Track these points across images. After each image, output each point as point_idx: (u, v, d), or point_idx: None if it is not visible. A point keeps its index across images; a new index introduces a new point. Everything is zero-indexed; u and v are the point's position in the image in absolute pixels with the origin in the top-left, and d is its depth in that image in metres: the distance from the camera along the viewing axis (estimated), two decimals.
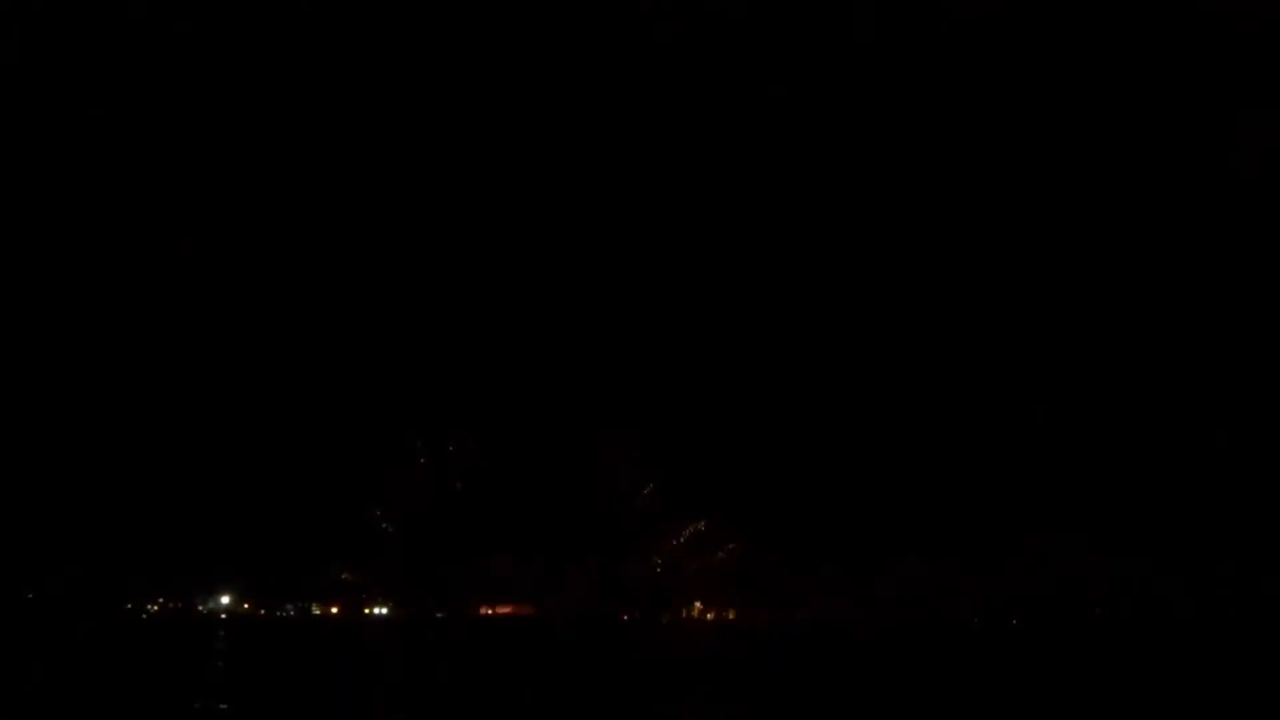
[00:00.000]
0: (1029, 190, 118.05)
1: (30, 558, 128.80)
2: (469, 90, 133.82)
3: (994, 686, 51.08)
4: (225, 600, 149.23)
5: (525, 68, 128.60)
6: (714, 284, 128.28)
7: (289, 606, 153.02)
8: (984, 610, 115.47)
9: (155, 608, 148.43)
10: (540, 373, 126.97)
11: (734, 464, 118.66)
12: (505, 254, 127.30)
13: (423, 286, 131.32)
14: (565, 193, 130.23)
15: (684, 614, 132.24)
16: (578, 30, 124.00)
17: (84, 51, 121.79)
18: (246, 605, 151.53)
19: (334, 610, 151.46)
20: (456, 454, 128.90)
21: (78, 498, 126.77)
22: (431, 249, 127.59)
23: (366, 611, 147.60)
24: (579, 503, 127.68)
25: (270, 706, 33.38)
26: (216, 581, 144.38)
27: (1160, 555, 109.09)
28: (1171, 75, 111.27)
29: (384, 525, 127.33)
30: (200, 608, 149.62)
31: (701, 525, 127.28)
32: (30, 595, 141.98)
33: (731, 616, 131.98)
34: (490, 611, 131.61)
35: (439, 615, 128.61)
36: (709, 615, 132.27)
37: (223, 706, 33.32)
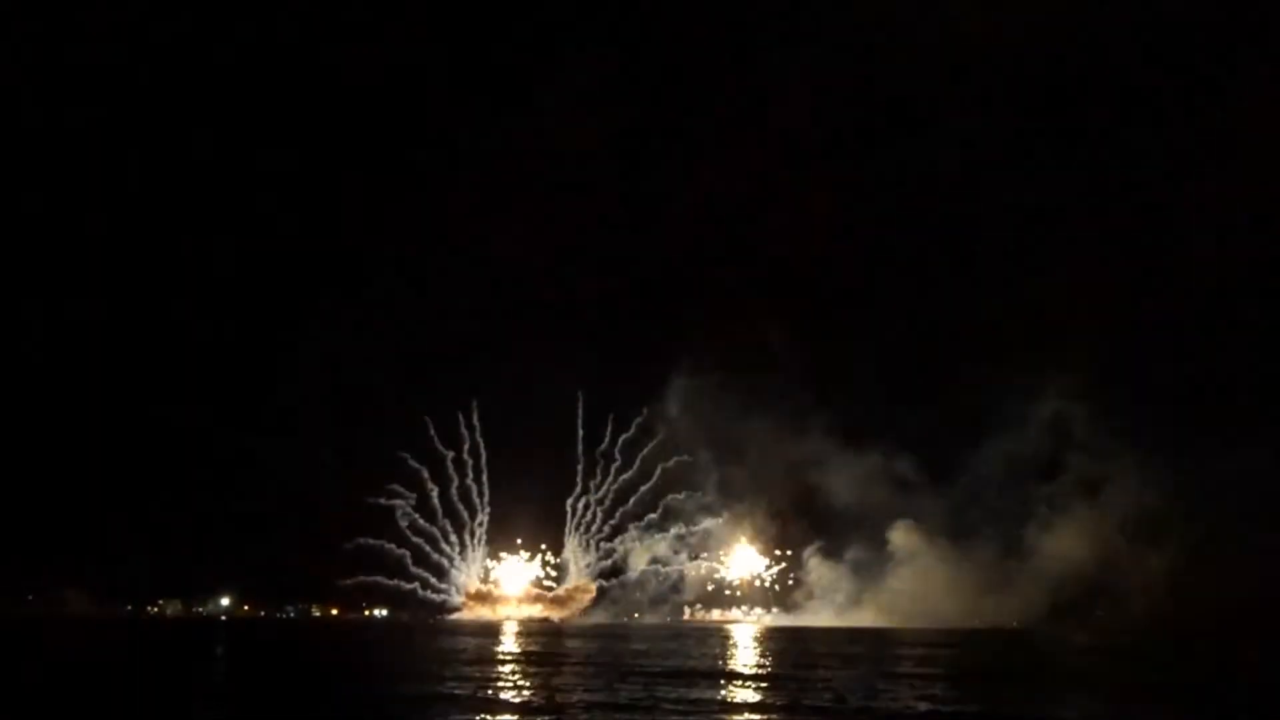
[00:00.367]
0: None
1: (31, 559, 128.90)
2: None
3: None
4: (225, 602, 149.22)
5: None
6: None
7: (289, 608, 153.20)
8: None
9: (155, 609, 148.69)
10: None
11: None
12: None
13: None
14: None
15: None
16: None
17: None
18: (246, 607, 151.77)
19: (334, 612, 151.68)
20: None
21: (78, 500, 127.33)
22: None
23: (367, 614, 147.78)
24: None
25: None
26: (216, 584, 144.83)
27: None
28: None
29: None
30: (199, 609, 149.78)
31: None
32: (30, 597, 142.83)
33: None
34: None
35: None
36: None
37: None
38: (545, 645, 68.38)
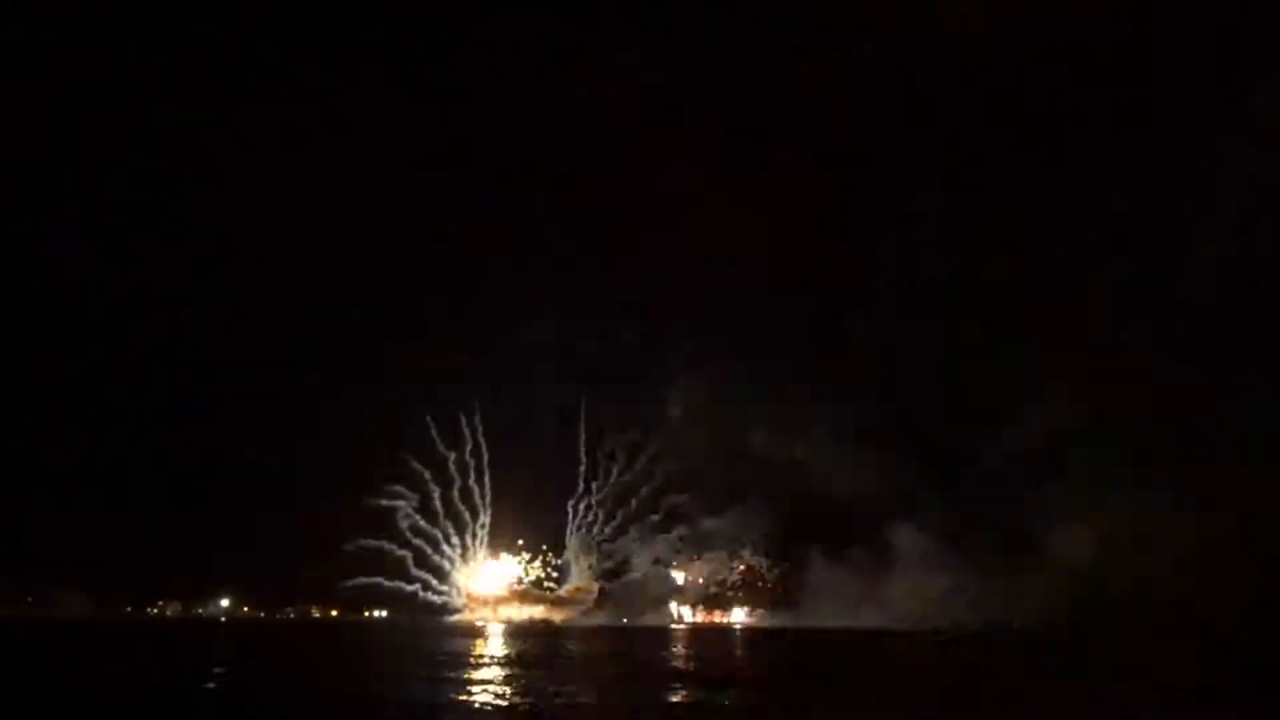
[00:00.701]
0: None
1: (30, 560, 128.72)
2: None
3: None
4: (225, 604, 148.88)
5: None
6: None
7: (289, 610, 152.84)
8: None
9: (155, 611, 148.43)
10: None
11: None
12: None
13: None
14: None
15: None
16: None
17: None
18: (246, 609, 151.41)
19: (334, 614, 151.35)
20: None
21: (78, 501, 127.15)
22: None
23: (367, 615, 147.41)
24: None
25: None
26: (216, 585, 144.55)
27: None
28: None
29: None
30: (199, 611, 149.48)
31: None
32: (30, 599, 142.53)
33: None
34: None
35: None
36: None
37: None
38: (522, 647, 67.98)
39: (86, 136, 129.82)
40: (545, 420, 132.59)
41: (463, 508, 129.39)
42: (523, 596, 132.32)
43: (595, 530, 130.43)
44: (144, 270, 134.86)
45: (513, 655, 57.60)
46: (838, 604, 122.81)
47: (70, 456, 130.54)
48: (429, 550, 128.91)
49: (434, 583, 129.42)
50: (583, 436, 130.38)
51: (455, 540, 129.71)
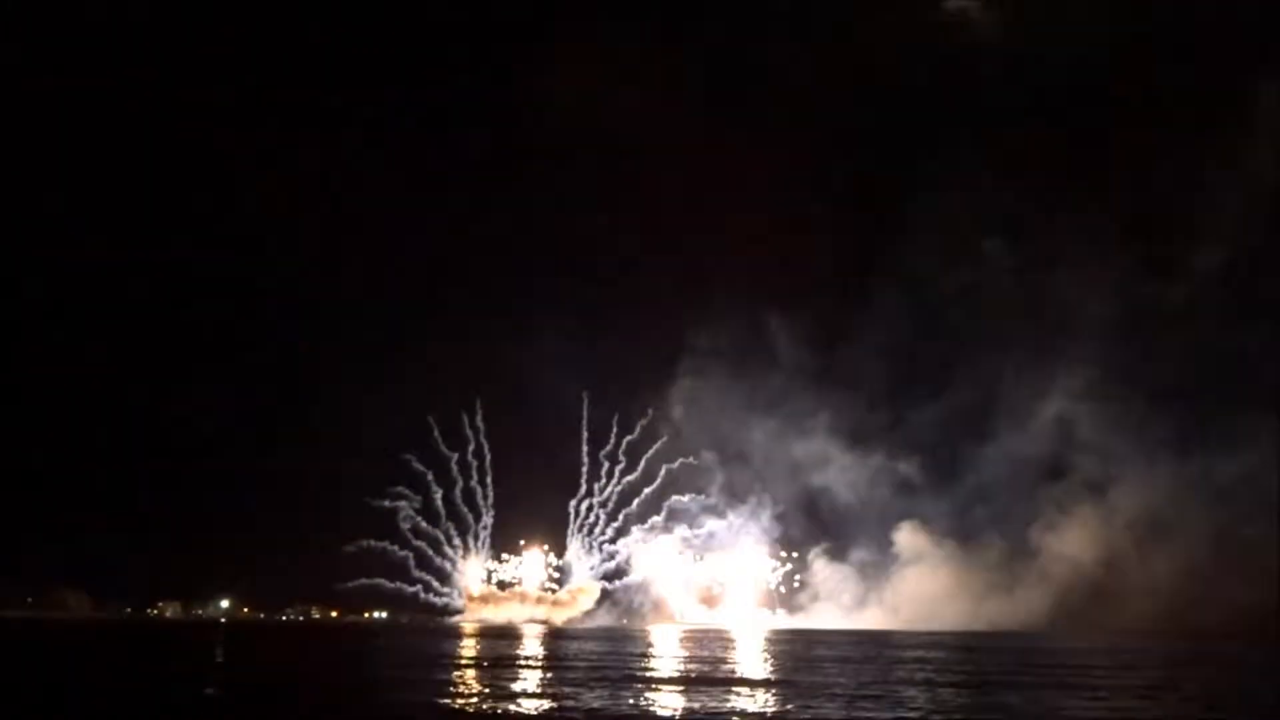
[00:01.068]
0: None
1: (30, 561, 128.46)
2: None
3: None
4: (225, 604, 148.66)
5: None
6: None
7: (289, 611, 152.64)
8: None
9: (155, 612, 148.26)
10: None
11: None
12: None
13: None
14: None
15: None
16: None
17: None
18: (246, 610, 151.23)
19: (334, 614, 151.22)
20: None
21: (78, 501, 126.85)
22: None
23: (367, 616, 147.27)
24: None
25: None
26: (217, 586, 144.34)
27: None
28: None
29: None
30: (199, 612, 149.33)
31: None
32: (30, 599, 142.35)
33: None
34: None
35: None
36: None
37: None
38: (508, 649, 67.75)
39: (87, 136, 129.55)
40: (548, 421, 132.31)
41: (465, 509, 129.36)
42: (523, 598, 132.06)
43: (597, 531, 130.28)
44: (144, 270, 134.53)
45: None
46: (841, 605, 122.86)
47: (70, 457, 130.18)
48: (430, 551, 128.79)
49: (435, 584, 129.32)
50: (585, 437, 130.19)
51: (457, 541, 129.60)
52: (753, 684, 39.41)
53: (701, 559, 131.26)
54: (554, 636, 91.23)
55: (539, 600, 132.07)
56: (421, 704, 32.98)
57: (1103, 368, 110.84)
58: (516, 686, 37.87)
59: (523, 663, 52.53)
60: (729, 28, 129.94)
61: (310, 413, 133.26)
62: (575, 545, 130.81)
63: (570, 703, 32.20)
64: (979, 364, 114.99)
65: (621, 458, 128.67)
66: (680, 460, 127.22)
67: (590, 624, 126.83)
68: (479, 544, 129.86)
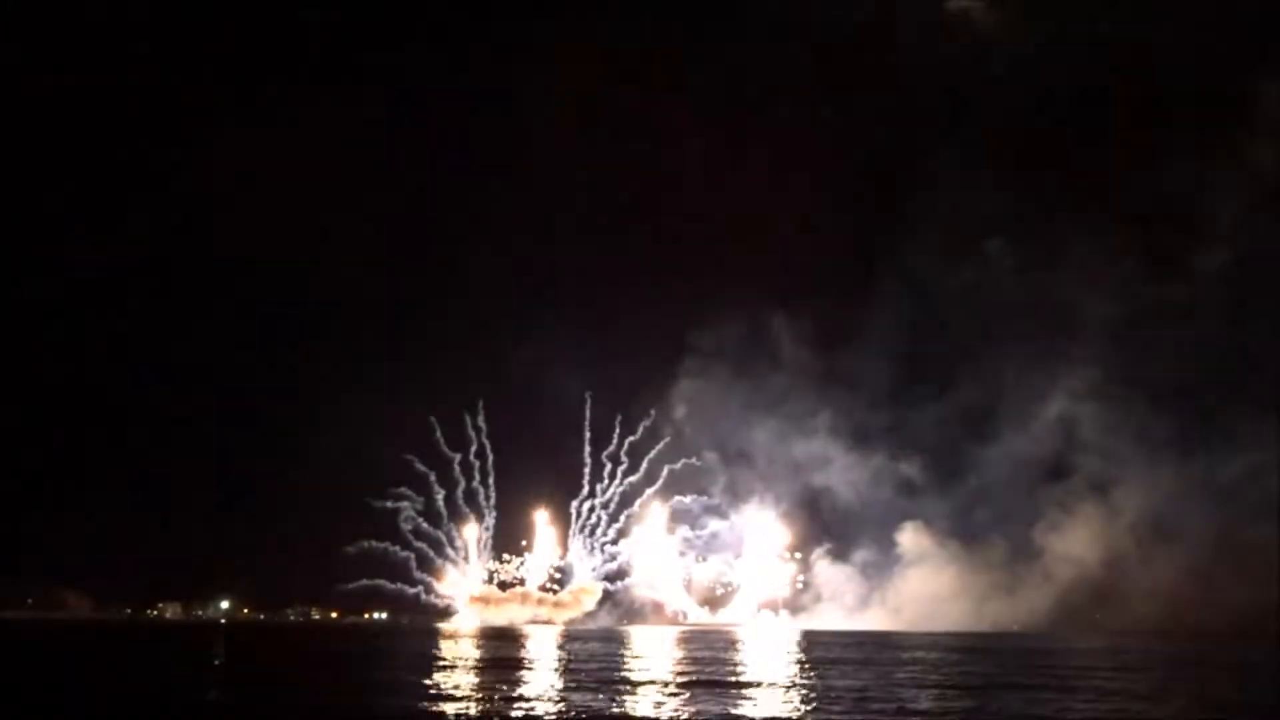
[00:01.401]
0: None
1: (31, 561, 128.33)
2: None
3: None
4: (225, 605, 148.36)
5: None
6: None
7: (290, 612, 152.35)
8: None
9: (155, 612, 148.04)
10: None
11: None
12: None
13: None
14: None
15: None
16: None
17: None
18: (246, 610, 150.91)
19: (334, 615, 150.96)
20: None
21: (78, 502, 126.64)
22: None
23: (368, 617, 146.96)
24: None
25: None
26: (217, 587, 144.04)
27: None
28: None
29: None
30: (199, 613, 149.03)
31: None
32: (30, 600, 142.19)
33: None
34: None
35: None
36: None
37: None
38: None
39: (87, 136, 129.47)
40: (549, 422, 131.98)
41: (467, 509, 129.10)
42: (524, 598, 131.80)
43: (599, 532, 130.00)
44: (145, 270, 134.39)
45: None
46: (844, 605, 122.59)
47: (70, 457, 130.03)
48: (431, 552, 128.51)
49: (436, 584, 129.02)
50: (587, 438, 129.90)
51: (459, 542, 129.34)
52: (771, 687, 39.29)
53: (704, 560, 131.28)
54: (563, 638, 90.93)
55: (540, 601, 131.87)
56: (421, 706, 32.81)
57: (1104, 368, 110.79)
58: (515, 690, 37.72)
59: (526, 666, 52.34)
60: (729, 28, 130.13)
61: (311, 413, 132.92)
62: (576, 546, 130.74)
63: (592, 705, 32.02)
64: (981, 364, 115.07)
65: (624, 458, 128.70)
66: (682, 461, 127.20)
67: (591, 625, 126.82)
68: (480, 544, 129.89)
